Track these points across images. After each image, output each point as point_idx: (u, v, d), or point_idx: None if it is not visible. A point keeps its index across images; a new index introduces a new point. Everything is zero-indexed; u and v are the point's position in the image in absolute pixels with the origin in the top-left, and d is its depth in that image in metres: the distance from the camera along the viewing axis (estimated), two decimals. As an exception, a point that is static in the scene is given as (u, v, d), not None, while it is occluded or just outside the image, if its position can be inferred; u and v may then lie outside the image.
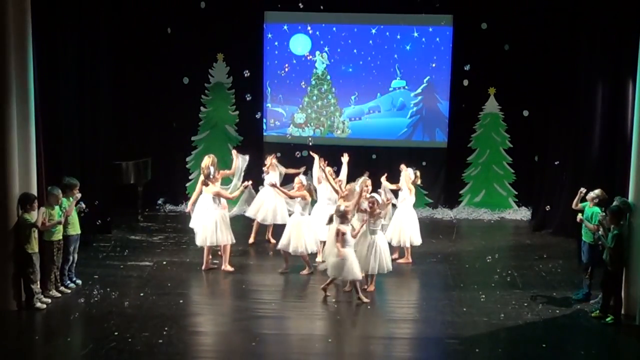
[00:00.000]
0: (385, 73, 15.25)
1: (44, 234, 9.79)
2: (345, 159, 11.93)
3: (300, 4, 13.46)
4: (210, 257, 11.36)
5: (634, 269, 9.55)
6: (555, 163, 10.99)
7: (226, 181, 11.80)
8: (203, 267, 11.29)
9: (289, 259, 11.18)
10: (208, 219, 11.16)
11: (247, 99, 14.22)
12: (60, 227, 9.96)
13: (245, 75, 14.09)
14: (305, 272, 11.12)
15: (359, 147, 15.28)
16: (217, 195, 11.10)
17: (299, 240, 10.92)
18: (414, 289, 10.87)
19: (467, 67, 14.65)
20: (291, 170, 12.52)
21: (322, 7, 13.64)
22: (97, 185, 12.72)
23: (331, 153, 14.81)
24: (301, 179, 11.23)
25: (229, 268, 11.28)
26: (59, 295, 10.04)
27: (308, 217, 11.15)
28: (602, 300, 9.73)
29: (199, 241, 11.34)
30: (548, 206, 12.54)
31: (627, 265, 9.62)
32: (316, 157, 11.96)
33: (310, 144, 13.75)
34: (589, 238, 10.18)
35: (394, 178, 15.30)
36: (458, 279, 11.11)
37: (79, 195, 10.27)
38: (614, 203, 9.73)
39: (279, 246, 11.14)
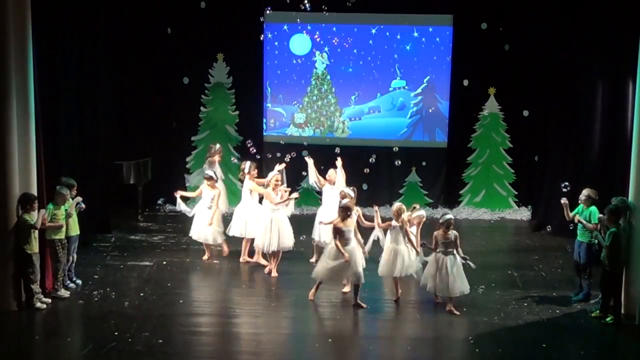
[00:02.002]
0: (385, 73, 15.25)
1: (46, 233, 9.79)
2: (339, 162, 11.82)
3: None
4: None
5: (634, 269, 9.55)
6: (562, 185, 11.01)
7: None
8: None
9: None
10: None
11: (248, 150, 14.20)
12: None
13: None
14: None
15: (359, 147, 15.31)
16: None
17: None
18: (413, 289, 10.84)
19: (465, 82, 14.72)
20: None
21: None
22: (97, 185, 12.74)
23: (331, 153, 14.89)
24: (278, 175, 11.41)
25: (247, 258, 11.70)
26: (68, 295, 10.02)
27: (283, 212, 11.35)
28: (601, 300, 9.73)
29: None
30: (549, 227, 12.77)
31: (627, 265, 9.62)
32: (310, 161, 11.91)
33: (249, 145, 13.76)
34: (585, 238, 10.18)
35: (395, 178, 15.42)
36: (458, 279, 11.08)
37: (80, 199, 10.31)
38: (612, 202, 9.73)
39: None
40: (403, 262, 10.11)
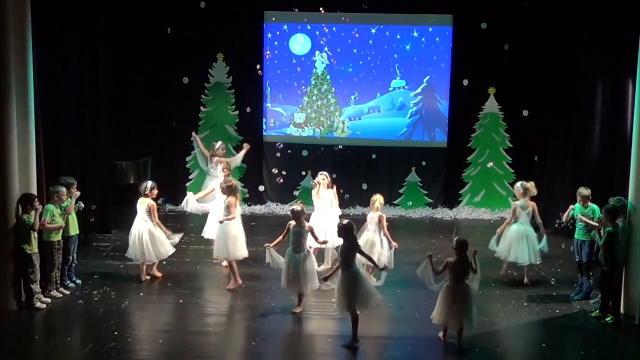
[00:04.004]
0: (385, 73, 15.26)
1: (44, 234, 9.79)
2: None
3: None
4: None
5: (633, 269, 9.54)
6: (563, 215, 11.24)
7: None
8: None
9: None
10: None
11: (248, 111, 14.47)
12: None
13: (259, 72, 14.30)
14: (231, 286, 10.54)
15: (359, 147, 15.32)
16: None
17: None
18: (414, 289, 10.84)
19: (465, 82, 14.72)
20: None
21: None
22: (97, 185, 12.75)
23: (331, 153, 14.93)
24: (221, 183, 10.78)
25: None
26: (60, 295, 10.04)
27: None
28: (601, 300, 9.72)
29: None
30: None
31: (627, 265, 9.62)
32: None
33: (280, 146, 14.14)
34: (586, 237, 10.17)
35: (395, 178, 15.44)
36: (458, 279, 11.08)
37: (78, 194, 10.27)
38: (610, 202, 9.74)
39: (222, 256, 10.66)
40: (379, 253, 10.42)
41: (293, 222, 9.72)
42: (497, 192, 15.37)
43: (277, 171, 14.03)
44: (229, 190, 10.58)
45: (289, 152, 14.93)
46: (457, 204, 15.43)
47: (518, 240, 10.86)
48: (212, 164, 12.79)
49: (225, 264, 11.21)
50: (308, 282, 9.59)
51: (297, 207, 9.79)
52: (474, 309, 8.62)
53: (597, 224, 9.92)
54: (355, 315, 8.82)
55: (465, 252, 8.61)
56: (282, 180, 13.76)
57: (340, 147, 14.92)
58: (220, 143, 13.17)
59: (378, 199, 10.76)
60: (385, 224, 10.63)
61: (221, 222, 10.41)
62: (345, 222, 9.04)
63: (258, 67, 14.46)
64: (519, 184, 11.15)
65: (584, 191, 10.27)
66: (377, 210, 10.73)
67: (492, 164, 14.94)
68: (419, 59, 15.20)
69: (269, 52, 14.89)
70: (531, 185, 11.04)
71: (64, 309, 9.75)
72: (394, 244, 10.58)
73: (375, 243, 10.57)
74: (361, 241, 10.45)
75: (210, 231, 11.60)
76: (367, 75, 15.28)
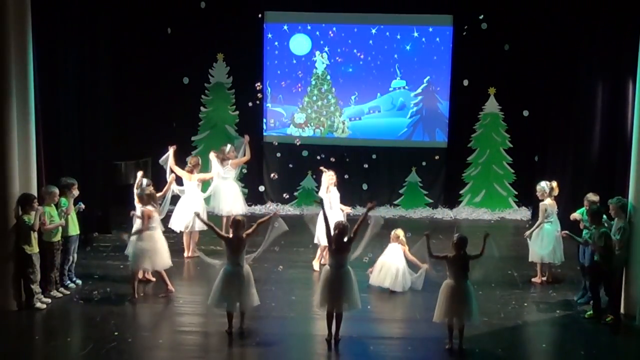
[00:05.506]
0: (385, 73, 15.25)
1: (44, 235, 9.78)
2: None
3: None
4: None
5: (633, 269, 9.54)
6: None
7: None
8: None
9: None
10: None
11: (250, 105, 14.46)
12: (60, 228, 9.96)
13: (257, 87, 14.22)
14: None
15: (359, 147, 15.32)
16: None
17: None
18: (414, 289, 10.85)
19: (465, 82, 14.70)
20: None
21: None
22: (97, 185, 12.75)
23: (331, 153, 14.90)
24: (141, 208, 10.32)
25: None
26: (60, 295, 10.04)
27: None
28: (593, 301, 9.68)
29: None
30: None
31: (627, 265, 9.62)
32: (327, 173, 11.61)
33: (298, 143, 13.99)
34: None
35: (393, 177, 15.44)
36: (458, 279, 11.07)
37: (76, 193, 10.26)
38: (609, 203, 9.72)
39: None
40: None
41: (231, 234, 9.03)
42: (497, 192, 15.36)
43: (275, 175, 13.95)
44: (148, 199, 10.24)
45: (289, 152, 14.92)
46: (457, 204, 15.43)
47: (557, 240, 10.92)
48: (225, 166, 12.78)
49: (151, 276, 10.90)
50: (247, 298, 9.05)
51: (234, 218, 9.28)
52: (474, 305, 8.60)
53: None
54: (330, 313, 8.75)
55: (465, 248, 8.62)
56: (276, 176, 13.79)
57: (345, 155, 14.92)
58: (230, 146, 13.04)
59: (401, 234, 10.79)
60: (408, 253, 10.56)
61: (134, 233, 10.12)
62: (342, 222, 8.96)
63: (258, 85, 14.34)
64: (543, 184, 11.11)
65: (592, 197, 10.16)
66: (402, 243, 10.73)
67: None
68: (419, 59, 15.18)
69: (260, 85, 14.63)
70: (555, 184, 11.04)
71: (64, 309, 9.76)
72: (424, 265, 10.28)
73: (390, 267, 10.55)
74: (376, 265, 10.68)
75: (176, 223, 11.90)
76: (367, 75, 15.27)
